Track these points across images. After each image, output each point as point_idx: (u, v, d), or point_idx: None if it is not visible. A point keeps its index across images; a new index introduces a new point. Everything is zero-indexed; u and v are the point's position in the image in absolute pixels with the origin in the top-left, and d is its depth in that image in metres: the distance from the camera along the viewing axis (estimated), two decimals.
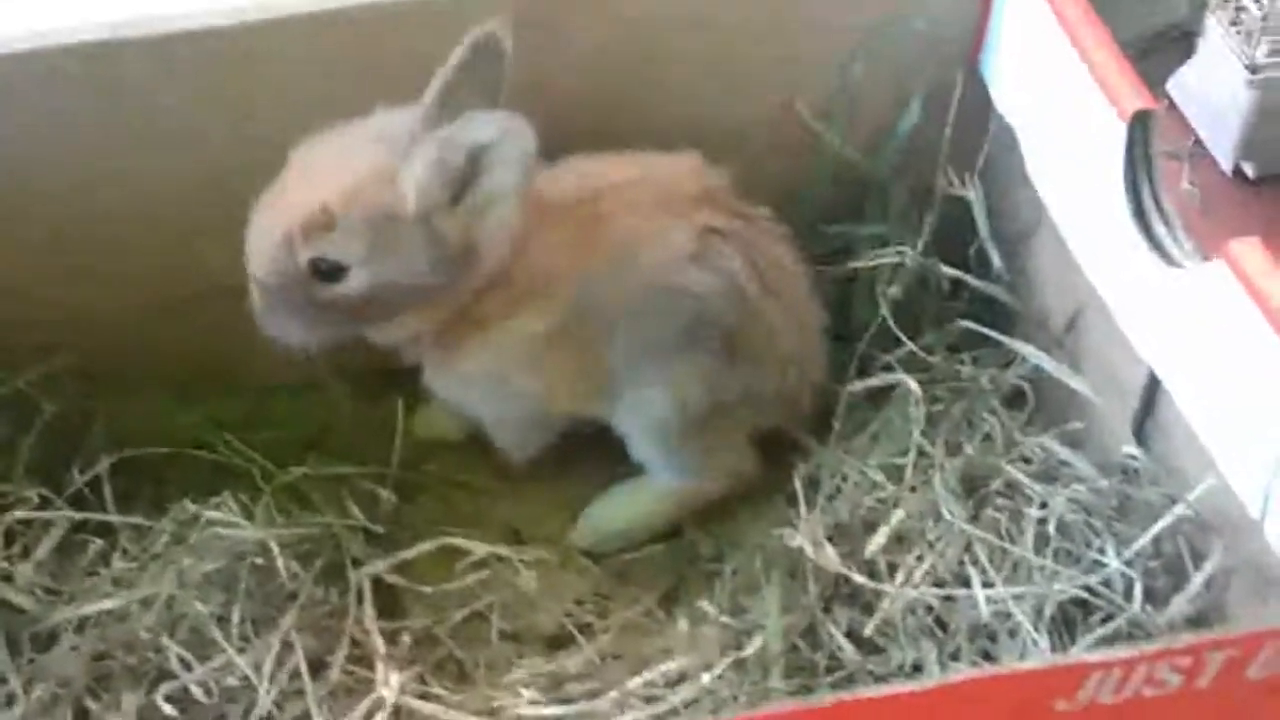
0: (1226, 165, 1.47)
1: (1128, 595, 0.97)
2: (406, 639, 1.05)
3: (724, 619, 1.04)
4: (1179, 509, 0.97)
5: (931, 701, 0.78)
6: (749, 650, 1.00)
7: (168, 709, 0.97)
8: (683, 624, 1.06)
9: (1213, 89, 1.46)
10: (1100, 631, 0.96)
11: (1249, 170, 1.46)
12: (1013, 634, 0.97)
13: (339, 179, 0.99)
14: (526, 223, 1.04)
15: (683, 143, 1.12)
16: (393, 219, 0.99)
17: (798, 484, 1.08)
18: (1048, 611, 0.97)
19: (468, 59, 1.00)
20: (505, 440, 1.16)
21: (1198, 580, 0.95)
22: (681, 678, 1.01)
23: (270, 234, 1.00)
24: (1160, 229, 0.99)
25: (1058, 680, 0.79)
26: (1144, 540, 0.98)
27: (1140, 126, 0.99)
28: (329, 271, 1.00)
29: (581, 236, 1.06)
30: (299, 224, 0.98)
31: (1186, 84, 1.50)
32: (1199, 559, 0.96)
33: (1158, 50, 1.46)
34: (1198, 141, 1.49)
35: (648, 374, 1.08)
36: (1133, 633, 0.95)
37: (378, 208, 0.99)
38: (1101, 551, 1.00)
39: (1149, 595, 0.97)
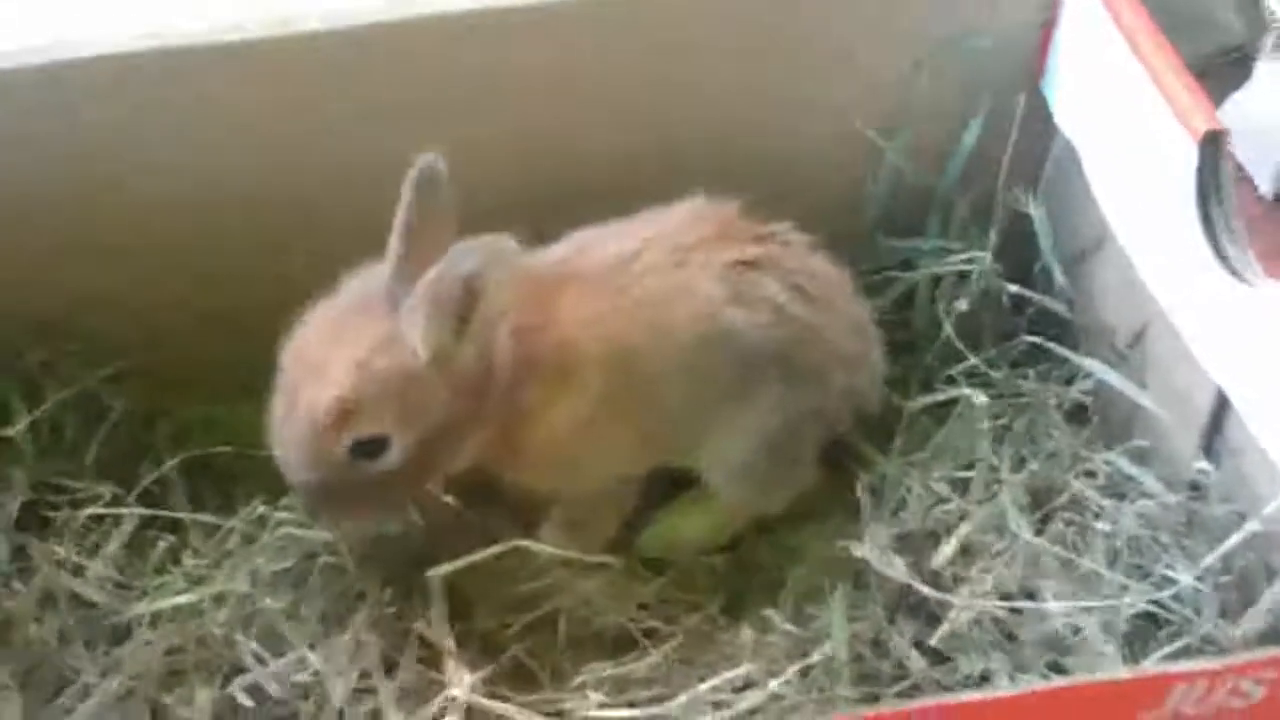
0: (1267, 189, 1.48)
1: (1198, 610, 0.98)
2: (473, 641, 1.05)
3: (787, 627, 1.05)
4: (1251, 525, 0.97)
5: (1017, 709, 0.80)
6: (815, 658, 1.01)
7: (245, 700, 0.98)
8: (747, 632, 1.06)
9: (1258, 112, 1.47)
10: (1171, 646, 0.96)
11: None
12: (1083, 647, 0.98)
13: (344, 359, 0.97)
14: (535, 305, 1.03)
15: (743, 163, 1.12)
16: (411, 376, 0.98)
17: (861, 495, 1.08)
18: (1119, 625, 0.97)
19: (414, 198, 0.98)
20: (584, 528, 1.14)
21: (1269, 596, 0.95)
22: (748, 684, 1.02)
23: (299, 438, 0.98)
24: (1232, 248, 1.00)
25: (1142, 691, 0.80)
26: (1215, 556, 0.98)
27: (1211, 146, 1.00)
28: (371, 449, 0.99)
29: (610, 309, 1.05)
30: (325, 417, 0.97)
31: (1232, 108, 1.50)
32: (1271, 575, 0.96)
33: (1210, 73, 1.46)
34: (1238, 165, 1.50)
35: (720, 421, 1.09)
36: (1204, 648, 0.96)
37: (394, 372, 0.97)
38: (1170, 567, 1.00)
39: (1219, 610, 0.98)
